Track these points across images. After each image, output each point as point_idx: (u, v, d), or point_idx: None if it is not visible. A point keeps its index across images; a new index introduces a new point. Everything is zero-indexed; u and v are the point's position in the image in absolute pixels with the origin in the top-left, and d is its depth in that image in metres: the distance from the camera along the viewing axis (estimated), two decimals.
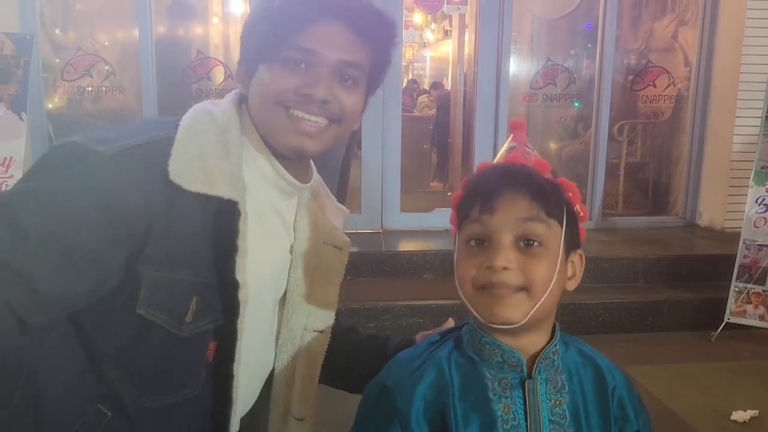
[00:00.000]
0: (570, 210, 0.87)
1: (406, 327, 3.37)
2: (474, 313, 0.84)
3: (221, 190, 0.90)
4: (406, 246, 4.12)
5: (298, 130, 0.97)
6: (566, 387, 0.88)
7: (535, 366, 0.87)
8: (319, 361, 1.14)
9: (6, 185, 2.69)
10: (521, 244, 0.82)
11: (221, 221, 0.91)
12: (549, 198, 0.83)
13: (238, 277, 0.92)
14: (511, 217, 0.82)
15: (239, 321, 0.94)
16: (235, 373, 0.96)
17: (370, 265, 3.76)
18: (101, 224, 0.83)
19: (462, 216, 0.87)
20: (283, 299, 1.11)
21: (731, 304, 3.39)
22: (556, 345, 0.89)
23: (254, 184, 0.98)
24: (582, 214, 0.90)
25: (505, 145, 0.94)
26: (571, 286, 0.89)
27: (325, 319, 1.13)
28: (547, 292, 0.82)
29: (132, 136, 0.90)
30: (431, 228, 4.37)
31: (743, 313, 3.37)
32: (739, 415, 2.61)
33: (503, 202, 0.82)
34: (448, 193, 6.87)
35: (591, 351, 0.95)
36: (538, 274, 0.81)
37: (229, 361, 0.96)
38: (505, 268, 0.81)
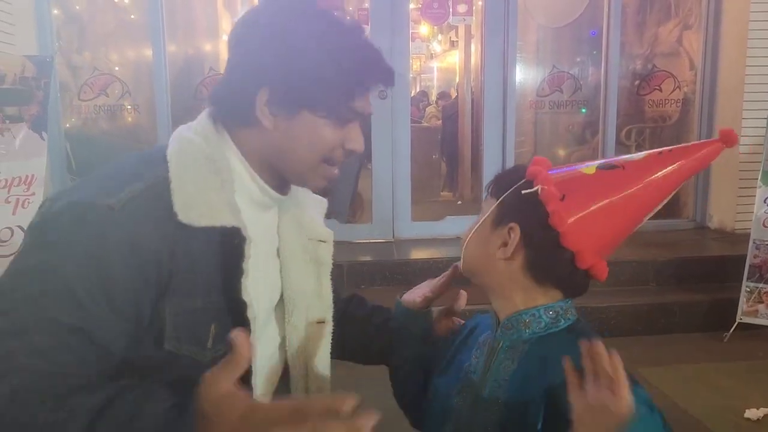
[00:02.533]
0: (521, 194, 0.99)
1: None
2: None
3: (224, 219, 0.93)
4: (418, 254, 4.17)
5: (325, 177, 1.04)
6: (522, 357, 0.98)
7: (498, 328, 1.03)
8: (327, 349, 1.17)
9: (28, 203, 2.77)
10: None
11: (227, 248, 0.95)
12: (495, 183, 1.05)
13: (245, 297, 0.96)
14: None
15: (252, 338, 0.97)
16: (253, 385, 1.00)
17: (383, 273, 3.82)
18: (135, 277, 0.87)
19: None
20: (281, 302, 1.15)
21: (743, 304, 3.41)
22: (523, 316, 1.00)
23: (243, 206, 1.00)
24: (534, 188, 0.98)
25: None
26: (500, 254, 1.00)
27: (324, 308, 1.17)
28: (464, 245, 1.06)
29: (130, 180, 0.91)
30: (442, 236, 4.41)
31: (755, 313, 3.38)
32: (752, 413, 2.63)
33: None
34: (458, 202, 6.91)
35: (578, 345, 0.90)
36: (464, 232, 1.07)
37: (248, 376, 0.98)
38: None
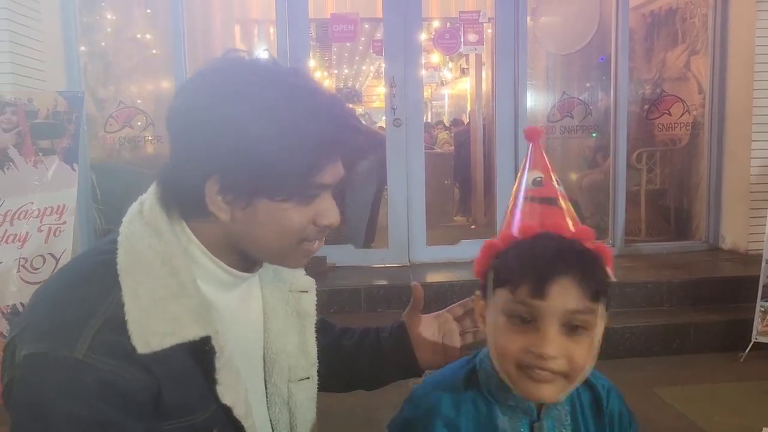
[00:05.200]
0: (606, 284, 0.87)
1: None
2: (512, 386, 0.88)
3: (190, 332, 0.86)
4: (433, 278, 4.23)
5: (306, 255, 0.97)
6: (569, 419, 0.94)
7: (543, 409, 0.92)
8: (312, 405, 1.12)
9: (59, 231, 2.88)
10: (565, 329, 0.83)
11: (201, 356, 0.88)
12: (596, 282, 0.83)
13: (225, 401, 0.91)
14: (561, 306, 0.81)
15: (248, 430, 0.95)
16: None
17: (400, 297, 3.88)
18: (130, 414, 0.82)
19: (503, 282, 0.86)
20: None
21: (757, 324, 3.43)
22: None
23: (214, 293, 0.94)
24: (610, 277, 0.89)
25: (528, 173, 0.95)
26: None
27: (307, 366, 1.10)
28: (585, 372, 0.85)
29: (84, 317, 0.83)
30: (457, 260, 4.47)
31: None
32: None
33: (555, 289, 0.81)
34: (472, 226, 6.98)
35: (591, 376, 0.95)
36: (580, 360, 0.83)
37: None
38: (554, 358, 0.82)
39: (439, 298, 3.89)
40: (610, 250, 0.91)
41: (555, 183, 0.95)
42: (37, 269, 2.83)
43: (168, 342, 0.84)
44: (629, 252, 4.69)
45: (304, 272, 1.12)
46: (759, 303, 3.44)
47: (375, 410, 2.78)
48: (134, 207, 0.94)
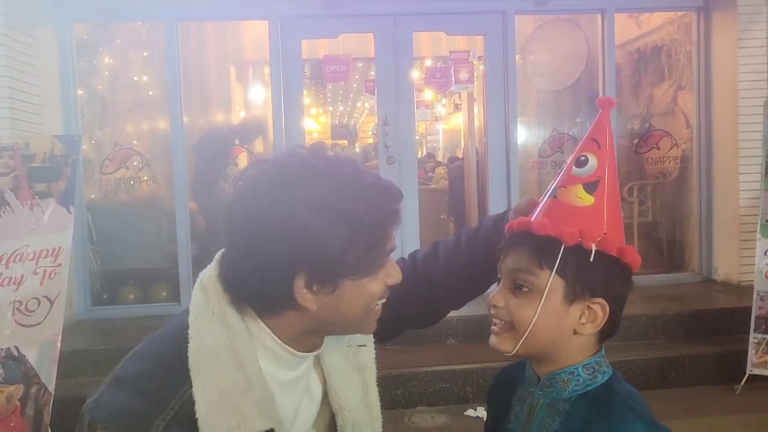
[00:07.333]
0: (583, 263, 0.97)
1: (432, 392, 3.45)
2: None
3: (255, 425, 0.91)
4: None
5: (377, 316, 1.03)
6: (563, 417, 0.97)
7: (539, 385, 1.02)
8: None
9: (54, 274, 2.89)
10: (516, 288, 1.00)
11: None
12: (542, 253, 0.97)
13: None
14: (510, 267, 1.01)
15: None
16: None
17: None
18: None
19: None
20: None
21: (752, 356, 3.43)
22: (562, 375, 0.99)
23: (278, 371, 0.99)
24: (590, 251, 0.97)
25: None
26: (585, 330, 0.98)
27: (371, 422, 1.12)
28: (529, 329, 0.97)
29: (157, 409, 0.89)
30: None
31: (765, 364, 3.40)
32: None
33: (510, 255, 1.02)
34: None
35: (617, 406, 0.95)
36: (518, 314, 0.98)
37: None
38: (496, 306, 1.00)
39: (435, 335, 3.90)
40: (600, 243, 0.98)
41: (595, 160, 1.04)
42: (32, 312, 2.83)
43: None
44: None
45: None
46: (752, 335, 3.45)
47: None
48: (197, 296, 0.99)
